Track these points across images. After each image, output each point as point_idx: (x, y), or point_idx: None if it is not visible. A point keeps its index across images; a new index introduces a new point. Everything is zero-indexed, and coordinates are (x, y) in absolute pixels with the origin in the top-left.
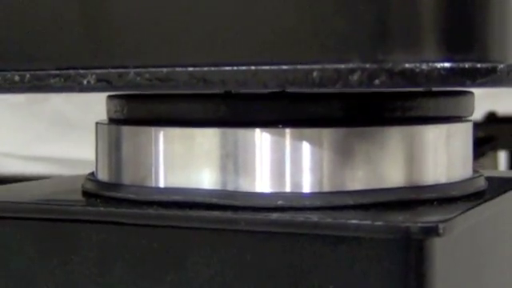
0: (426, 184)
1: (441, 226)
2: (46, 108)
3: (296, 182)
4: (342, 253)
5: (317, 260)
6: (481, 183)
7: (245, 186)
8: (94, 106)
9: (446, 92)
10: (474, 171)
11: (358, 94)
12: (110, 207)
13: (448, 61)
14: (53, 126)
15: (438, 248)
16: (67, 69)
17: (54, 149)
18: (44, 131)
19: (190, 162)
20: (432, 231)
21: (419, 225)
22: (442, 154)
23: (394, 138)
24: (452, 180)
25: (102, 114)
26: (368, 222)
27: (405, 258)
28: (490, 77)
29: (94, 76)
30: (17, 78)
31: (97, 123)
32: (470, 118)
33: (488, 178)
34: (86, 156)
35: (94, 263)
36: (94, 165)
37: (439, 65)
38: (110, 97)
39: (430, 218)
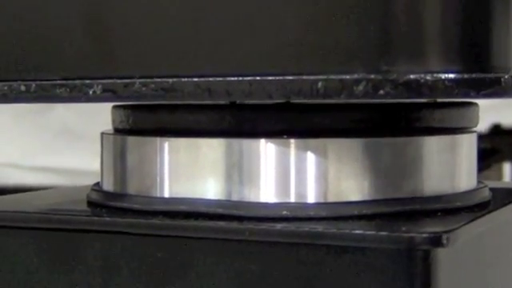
0: (430, 194)
1: (445, 236)
2: (51, 118)
3: (301, 192)
4: (347, 263)
5: (321, 270)
6: (485, 194)
7: (250, 196)
8: (99, 116)
9: (450, 103)
10: (479, 182)
11: (362, 105)
12: (115, 217)
13: (452, 72)
14: (58, 137)
15: (442, 258)
16: (73, 79)
17: (58, 159)
18: (49, 141)
19: (195, 172)
20: (436, 241)
21: (423, 235)
22: (446, 164)
23: (399, 148)
24: (456, 191)
25: (107, 125)
26: (372, 233)
27: (409, 268)
28: (494, 88)
29: (99, 86)
30: (23, 87)
31: (102, 133)
32: (475, 129)
33: (492, 189)
34: (90, 167)
35: (99, 273)
36: (99, 175)
37: (444, 76)
38: (115, 107)
39: (434, 228)
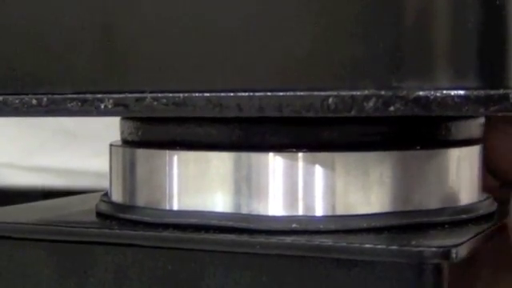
0: (437, 207)
1: (454, 250)
2: (47, 118)
3: (310, 205)
4: (356, 276)
5: (331, 283)
6: (491, 205)
7: (259, 209)
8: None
9: (456, 116)
10: (484, 193)
11: (370, 119)
12: (126, 229)
13: (462, 88)
14: (54, 136)
15: (451, 271)
16: (84, 93)
17: (55, 159)
18: (45, 141)
19: (205, 185)
20: (446, 255)
21: (433, 249)
22: (453, 177)
23: (407, 161)
24: (463, 203)
25: (101, 123)
26: (383, 247)
27: (418, 282)
28: (502, 104)
29: (111, 100)
30: (34, 101)
31: (111, 145)
32: (479, 140)
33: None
34: (86, 167)
35: (110, 285)
36: (95, 175)
37: (453, 92)
38: (124, 118)
39: (443, 241)
